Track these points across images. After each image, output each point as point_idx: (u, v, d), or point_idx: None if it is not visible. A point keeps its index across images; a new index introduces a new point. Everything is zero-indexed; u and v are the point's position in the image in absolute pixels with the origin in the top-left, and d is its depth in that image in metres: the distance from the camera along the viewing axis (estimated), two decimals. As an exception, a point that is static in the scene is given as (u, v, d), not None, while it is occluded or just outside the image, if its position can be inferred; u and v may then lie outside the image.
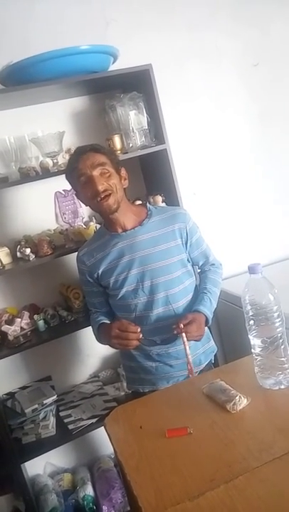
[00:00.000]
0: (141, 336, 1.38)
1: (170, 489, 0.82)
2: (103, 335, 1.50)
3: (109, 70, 1.77)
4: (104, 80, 1.74)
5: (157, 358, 1.53)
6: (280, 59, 2.31)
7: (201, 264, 1.63)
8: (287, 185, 2.40)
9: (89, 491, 1.91)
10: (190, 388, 1.16)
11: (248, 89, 2.26)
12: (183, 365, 1.50)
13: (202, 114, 2.18)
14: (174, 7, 2.07)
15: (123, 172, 1.50)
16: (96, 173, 1.41)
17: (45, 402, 1.87)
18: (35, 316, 1.85)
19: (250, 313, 1.04)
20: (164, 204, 1.86)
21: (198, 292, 1.56)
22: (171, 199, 1.86)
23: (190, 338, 1.39)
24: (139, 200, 1.90)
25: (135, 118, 1.78)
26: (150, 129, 1.81)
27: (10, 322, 1.82)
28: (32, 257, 1.74)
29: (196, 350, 1.56)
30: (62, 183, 1.84)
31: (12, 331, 1.79)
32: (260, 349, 1.04)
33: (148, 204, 1.59)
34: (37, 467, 2.06)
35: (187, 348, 1.37)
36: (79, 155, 1.44)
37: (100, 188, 1.39)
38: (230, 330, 2.16)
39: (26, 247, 1.74)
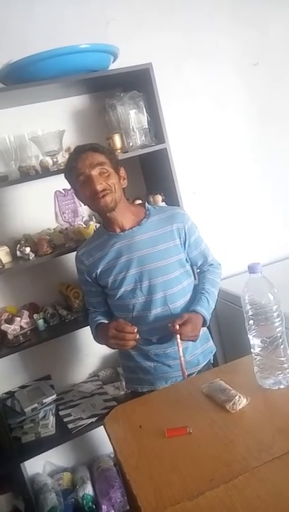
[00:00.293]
0: (138, 336, 1.38)
1: (169, 489, 0.82)
2: (101, 335, 1.50)
3: (109, 68, 1.76)
4: (104, 78, 1.73)
5: (155, 358, 1.53)
6: (279, 59, 2.31)
7: (199, 264, 1.63)
8: (287, 184, 2.40)
9: (88, 490, 1.91)
10: (190, 388, 1.16)
11: (247, 88, 2.26)
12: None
13: (202, 113, 2.18)
14: (174, 7, 2.07)
15: (122, 172, 1.50)
16: (95, 172, 1.40)
17: (44, 401, 1.87)
18: (35, 315, 1.85)
19: (250, 313, 1.04)
20: (164, 203, 1.86)
21: (197, 292, 1.56)
22: (171, 198, 1.86)
23: (185, 338, 1.39)
24: (139, 199, 1.90)
25: (135, 117, 1.78)
26: (150, 128, 1.81)
27: (9, 321, 1.82)
28: (32, 256, 1.73)
29: (195, 350, 1.56)
30: (62, 182, 1.83)
31: (12, 330, 1.79)
32: (260, 349, 1.04)
33: (146, 204, 1.58)
34: (36, 466, 2.06)
35: (180, 350, 1.36)
36: (78, 154, 1.43)
37: (99, 187, 1.39)
38: (229, 329, 2.16)
39: (26, 246, 1.74)
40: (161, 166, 1.86)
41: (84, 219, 1.98)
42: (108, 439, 1.06)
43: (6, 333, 1.78)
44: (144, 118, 1.79)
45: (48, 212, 1.95)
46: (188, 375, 1.49)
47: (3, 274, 1.85)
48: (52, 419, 1.88)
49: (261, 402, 1.02)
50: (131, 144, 1.80)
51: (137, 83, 1.81)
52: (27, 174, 1.72)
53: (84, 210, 1.99)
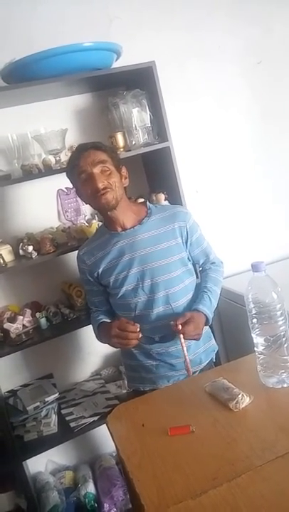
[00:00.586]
0: (140, 335, 1.38)
1: (172, 487, 0.82)
2: (103, 334, 1.49)
3: (112, 67, 1.76)
4: (107, 77, 1.73)
5: (158, 357, 1.53)
6: (281, 58, 2.30)
7: (201, 262, 1.62)
8: (291, 183, 2.39)
9: (90, 488, 1.91)
10: (192, 386, 1.16)
11: (250, 87, 2.26)
12: (183, 364, 1.49)
13: (204, 112, 2.18)
14: (176, 5, 2.07)
15: (124, 171, 1.50)
16: (96, 170, 1.40)
17: (46, 399, 1.87)
18: (37, 314, 1.85)
19: (254, 312, 1.03)
20: (166, 202, 1.86)
21: (199, 291, 1.56)
22: (174, 197, 1.85)
23: (187, 337, 1.39)
24: (142, 197, 1.90)
25: (138, 115, 1.78)
26: (153, 127, 1.81)
27: (12, 320, 1.82)
28: (34, 254, 1.73)
29: (197, 349, 1.55)
30: (64, 181, 1.83)
31: (14, 328, 1.79)
32: (263, 347, 1.04)
33: (148, 203, 1.58)
34: (39, 465, 2.06)
35: (184, 348, 1.36)
36: (80, 152, 1.43)
37: (100, 185, 1.39)
38: (232, 328, 2.15)
39: (29, 245, 1.74)
40: (164, 165, 1.86)
41: (86, 217, 1.98)
42: (110, 438, 1.06)
43: (9, 331, 1.78)
44: (146, 116, 1.78)
45: (50, 210, 1.95)
46: (194, 373, 1.49)
47: (5, 273, 1.85)
48: (54, 418, 1.88)
49: (264, 401, 1.02)
50: (134, 143, 1.80)
51: (140, 81, 1.80)
52: (30, 173, 1.72)
53: (86, 209, 1.99)
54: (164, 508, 0.77)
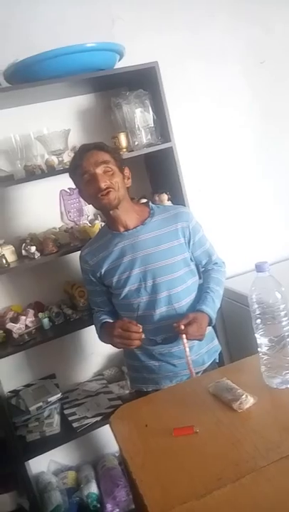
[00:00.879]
0: (143, 335, 1.38)
1: (176, 488, 0.81)
2: (106, 334, 1.49)
3: (115, 67, 1.76)
4: (110, 77, 1.73)
5: (160, 358, 1.53)
6: (283, 58, 2.30)
7: (204, 263, 1.62)
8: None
9: (93, 488, 1.91)
10: (196, 387, 1.16)
11: (252, 87, 2.25)
12: (186, 364, 1.50)
13: (206, 112, 2.18)
14: (178, 6, 2.07)
15: (126, 171, 1.50)
16: (99, 170, 1.41)
17: (49, 400, 1.88)
18: (40, 314, 1.85)
19: (257, 312, 1.03)
20: (169, 202, 1.86)
21: (202, 291, 1.56)
22: (177, 197, 1.85)
23: (191, 338, 1.39)
24: (145, 198, 1.90)
25: (141, 116, 1.78)
26: (156, 127, 1.81)
27: (15, 320, 1.82)
28: (37, 255, 1.74)
29: (200, 349, 1.55)
30: (67, 181, 1.83)
31: (17, 328, 1.79)
32: (267, 348, 1.04)
33: (150, 203, 1.58)
34: (41, 465, 2.06)
35: (187, 349, 1.36)
36: (83, 153, 1.44)
37: (103, 185, 1.39)
38: (236, 329, 2.15)
39: (31, 245, 1.74)
40: (166, 165, 1.85)
41: (89, 218, 1.98)
42: (114, 438, 1.05)
43: (11, 331, 1.78)
44: (149, 117, 1.78)
45: (53, 211, 1.95)
46: (197, 373, 1.49)
47: (8, 273, 1.85)
48: (57, 418, 1.88)
49: (268, 402, 1.02)
50: (136, 143, 1.80)
51: (143, 82, 1.80)
52: (32, 173, 1.72)
53: (89, 209, 1.99)
54: (167, 509, 0.77)
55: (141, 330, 1.37)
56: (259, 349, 1.07)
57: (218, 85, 2.19)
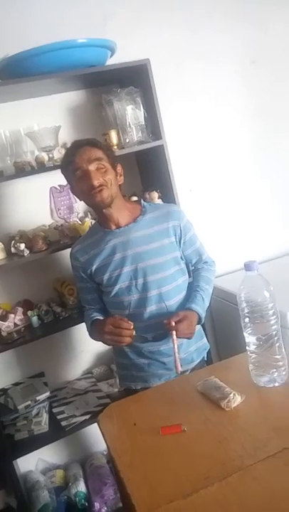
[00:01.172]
0: (134, 332, 1.38)
1: (163, 487, 0.81)
2: (96, 331, 1.49)
3: (106, 64, 1.75)
4: (101, 74, 1.72)
5: (149, 355, 1.53)
6: (278, 57, 2.30)
7: (194, 262, 1.62)
8: (284, 183, 2.40)
9: (81, 487, 1.91)
10: (184, 385, 1.16)
11: (245, 86, 2.25)
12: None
13: (199, 110, 2.17)
14: (173, 4, 2.06)
15: (119, 168, 1.49)
16: (92, 167, 1.40)
17: (38, 398, 1.86)
18: (29, 312, 1.84)
19: (246, 311, 1.03)
20: (160, 200, 1.85)
21: (191, 290, 1.56)
22: (168, 195, 1.85)
23: (180, 335, 1.39)
24: (136, 195, 1.90)
25: (132, 113, 1.77)
26: (147, 125, 1.80)
27: (3, 318, 1.81)
28: (26, 252, 1.72)
29: (189, 347, 1.55)
30: (57, 178, 1.82)
31: (5, 326, 1.77)
32: (255, 347, 1.04)
33: (142, 201, 1.58)
34: (29, 463, 2.05)
35: (176, 345, 1.36)
36: (75, 149, 1.43)
37: (96, 182, 1.38)
38: (224, 327, 2.16)
39: (21, 243, 1.73)
40: (157, 163, 1.85)
41: (79, 215, 1.97)
42: (102, 437, 1.05)
43: (0, 330, 1.77)
44: (141, 114, 1.78)
45: (43, 208, 1.94)
46: (182, 373, 1.48)
47: (-3, 270, 1.83)
48: (45, 417, 1.87)
49: (256, 400, 1.02)
50: (127, 140, 1.79)
51: (135, 79, 1.79)
52: (22, 170, 1.71)
53: (79, 207, 1.98)
54: (155, 508, 0.77)
55: (132, 327, 1.37)
56: (247, 348, 1.07)
57: (213, 84, 2.18)
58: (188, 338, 1.45)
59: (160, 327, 1.44)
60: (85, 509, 1.84)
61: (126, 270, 1.47)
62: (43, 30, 1.78)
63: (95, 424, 1.13)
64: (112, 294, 1.50)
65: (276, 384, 1.04)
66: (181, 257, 1.56)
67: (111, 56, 1.77)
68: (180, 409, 1.05)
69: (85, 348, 2.12)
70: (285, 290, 1.35)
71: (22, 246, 1.72)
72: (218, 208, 2.28)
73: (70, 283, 1.88)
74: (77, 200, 1.87)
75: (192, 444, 0.92)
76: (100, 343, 1.48)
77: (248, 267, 1.02)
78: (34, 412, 1.88)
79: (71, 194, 1.94)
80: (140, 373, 1.56)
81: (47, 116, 1.84)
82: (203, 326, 1.63)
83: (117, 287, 1.49)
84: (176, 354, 1.37)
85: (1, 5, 1.79)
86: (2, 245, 1.78)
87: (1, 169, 1.73)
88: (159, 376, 1.55)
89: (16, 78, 1.59)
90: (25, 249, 1.72)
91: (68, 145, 1.74)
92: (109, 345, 1.51)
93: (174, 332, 1.36)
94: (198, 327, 1.57)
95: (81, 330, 1.92)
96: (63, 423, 1.83)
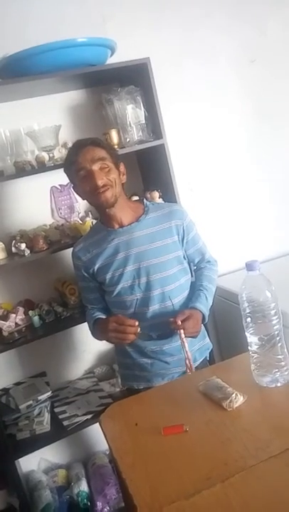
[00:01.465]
0: (139, 329, 1.37)
1: (166, 487, 0.81)
2: (99, 330, 1.49)
3: (106, 63, 1.74)
4: (101, 73, 1.72)
5: (152, 355, 1.53)
6: (276, 57, 2.30)
7: (196, 261, 1.62)
8: (284, 181, 2.39)
9: (83, 487, 1.91)
10: (186, 385, 1.16)
11: (244, 86, 2.25)
12: (178, 361, 1.50)
13: (199, 110, 2.17)
14: (172, 4, 2.05)
15: (122, 167, 1.49)
16: (96, 167, 1.39)
17: (39, 398, 1.86)
18: (30, 312, 1.84)
19: (248, 311, 1.03)
20: (160, 200, 1.85)
21: (194, 289, 1.56)
22: (168, 195, 1.85)
23: (186, 334, 1.39)
24: (136, 195, 1.89)
25: (132, 112, 1.77)
26: (147, 124, 1.80)
27: (4, 318, 1.81)
28: (27, 252, 1.72)
29: (192, 347, 1.55)
30: (58, 178, 1.83)
31: (7, 326, 1.77)
32: (257, 347, 1.04)
33: (145, 200, 1.57)
34: (31, 463, 2.05)
35: (186, 344, 1.36)
36: (79, 148, 1.42)
37: (100, 182, 1.38)
38: (226, 327, 2.15)
39: (21, 242, 1.73)
40: (158, 162, 1.85)
41: (80, 215, 1.96)
42: (104, 437, 1.05)
43: (1, 329, 1.77)
44: (141, 113, 1.77)
45: (43, 208, 1.94)
46: (184, 372, 1.49)
47: (-2, 270, 1.83)
48: (47, 416, 1.87)
49: (258, 400, 1.02)
50: (128, 140, 1.79)
51: (135, 78, 1.79)
52: (23, 169, 1.70)
53: (80, 206, 1.97)
54: (157, 509, 0.77)
55: (137, 324, 1.36)
56: (249, 348, 1.07)
57: (212, 84, 2.18)
58: (194, 337, 1.45)
59: (163, 326, 1.44)
60: (88, 509, 1.84)
61: (129, 269, 1.47)
62: (42, 29, 1.78)
63: (97, 423, 1.13)
64: (115, 293, 1.50)
65: (278, 384, 1.03)
66: (184, 256, 1.56)
67: (111, 55, 1.77)
68: (182, 409, 1.05)
69: (87, 348, 2.12)
70: (287, 290, 1.34)
71: (23, 246, 1.72)
72: (219, 207, 2.27)
73: (72, 283, 1.88)
74: (78, 199, 1.88)
75: (194, 445, 0.92)
76: (102, 342, 1.49)
77: (249, 266, 1.02)
78: (36, 411, 1.88)
79: (72, 193, 1.94)
80: (143, 373, 1.56)
81: (47, 116, 1.84)
82: (205, 325, 1.63)
83: (119, 286, 1.49)
84: (189, 353, 1.38)
85: (1, 4, 1.78)
86: (3, 245, 1.78)
87: (2, 169, 1.73)
88: (162, 376, 1.55)
89: (16, 77, 1.59)
90: (26, 249, 1.72)
91: (69, 144, 1.75)
92: (113, 343, 1.51)
93: (182, 331, 1.36)
94: (201, 326, 1.57)
95: (83, 330, 1.92)
96: (65, 423, 1.83)
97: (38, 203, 1.92)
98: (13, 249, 1.75)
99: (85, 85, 1.92)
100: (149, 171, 2.00)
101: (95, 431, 1.99)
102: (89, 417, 1.85)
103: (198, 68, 2.14)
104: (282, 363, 1.03)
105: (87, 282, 1.57)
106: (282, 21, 2.29)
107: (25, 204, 1.91)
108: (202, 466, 0.84)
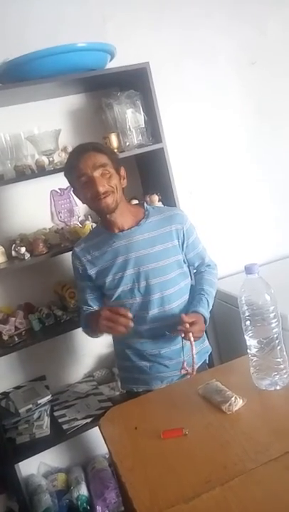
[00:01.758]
0: (131, 324, 1.33)
1: (165, 491, 0.81)
2: (92, 321, 1.44)
3: (106, 67, 1.75)
4: (101, 77, 1.72)
5: (151, 358, 1.53)
6: (276, 58, 2.30)
7: (196, 265, 1.63)
8: (283, 184, 2.40)
9: (83, 490, 1.90)
10: (185, 389, 1.16)
11: (244, 88, 2.26)
12: (177, 365, 1.50)
13: (199, 113, 2.18)
14: (171, 5, 2.06)
15: (122, 171, 1.49)
16: (97, 174, 1.39)
17: (39, 401, 1.86)
18: (30, 316, 1.84)
19: (247, 314, 1.03)
20: (160, 203, 1.85)
21: (195, 293, 1.56)
22: (168, 198, 1.85)
23: (195, 338, 1.39)
24: (136, 199, 1.90)
25: (132, 116, 1.77)
26: (147, 128, 1.80)
27: (4, 321, 1.81)
28: (27, 255, 1.72)
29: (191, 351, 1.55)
30: (58, 182, 1.84)
31: (6, 330, 1.77)
32: (256, 350, 1.04)
33: (146, 204, 1.58)
34: (31, 467, 2.04)
35: (194, 347, 1.37)
36: (80, 154, 1.41)
37: (101, 189, 1.38)
38: (226, 330, 2.15)
39: (21, 246, 1.73)
40: (157, 166, 1.85)
41: (80, 219, 1.97)
42: (103, 441, 1.05)
43: (1, 333, 1.77)
44: (141, 117, 1.78)
45: (43, 211, 1.94)
46: (184, 376, 1.49)
47: (-2, 274, 1.84)
48: (47, 420, 1.87)
49: (257, 403, 1.02)
50: (128, 144, 1.80)
51: (134, 82, 1.80)
52: (23, 173, 1.71)
53: (80, 210, 1.98)
54: (156, 512, 0.77)
55: (130, 316, 1.33)
56: (248, 351, 1.07)
57: (211, 85, 2.18)
58: (196, 340, 1.45)
59: (162, 330, 1.44)
60: (87, 513, 1.84)
61: (128, 273, 1.47)
62: (42, 32, 1.79)
63: (97, 427, 1.13)
64: (115, 296, 1.50)
65: (277, 387, 1.04)
66: (184, 261, 1.56)
67: (111, 60, 1.77)
68: (181, 412, 1.05)
69: (86, 352, 2.12)
70: (286, 293, 1.34)
71: (23, 249, 1.72)
72: (219, 210, 2.28)
73: (71, 286, 1.88)
74: (78, 203, 1.88)
75: (194, 448, 0.92)
76: (102, 345, 1.49)
77: (248, 269, 1.02)
78: (35, 415, 1.87)
79: (72, 197, 1.94)
80: (142, 376, 1.57)
81: (47, 120, 1.84)
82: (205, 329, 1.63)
83: (119, 290, 1.49)
84: (195, 356, 1.39)
85: (1, 8, 1.79)
86: (3, 249, 1.78)
87: (2, 173, 1.73)
88: (161, 379, 1.55)
89: (16, 82, 1.60)
90: (26, 253, 1.72)
91: (69, 149, 1.76)
92: (104, 332, 1.44)
93: (191, 334, 1.36)
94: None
95: (82, 333, 1.91)
96: (65, 426, 1.83)
97: (38, 206, 1.93)
98: (13, 252, 1.76)
99: (85, 89, 1.93)
100: (148, 175, 2.01)
101: (95, 434, 1.99)
102: (88, 420, 1.84)
103: (198, 68, 2.15)
104: (282, 366, 1.04)
105: (85, 281, 1.56)
106: (282, 21, 2.30)
107: (25, 208, 1.92)
108: (201, 470, 0.84)
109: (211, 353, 1.69)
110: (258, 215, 2.36)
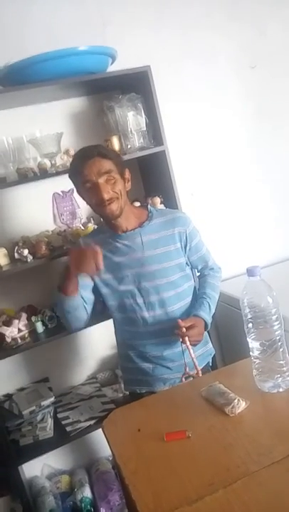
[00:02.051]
0: (100, 256, 1.32)
1: (168, 493, 0.81)
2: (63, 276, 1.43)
3: (107, 71, 1.76)
4: (102, 80, 1.73)
5: (154, 360, 1.54)
6: (276, 59, 2.31)
7: (200, 268, 1.63)
8: (285, 186, 2.40)
9: (87, 493, 1.90)
10: (188, 391, 1.16)
11: (245, 89, 2.26)
12: (179, 367, 1.50)
13: (200, 115, 2.18)
14: (171, 7, 2.07)
15: (127, 174, 1.49)
16: (102, 180, 1.39)
17: (42, 403, 1.87)
18: (33, 318, 1.84)
19: (249, 316, 1.03)
20: (162, 205, 1.86)
21: (198, 297, 1.56)
22: (170, 200, 1.85)
23: (189, 342, 1.40)
24: (138, 201, 1.90)
25: (133, 119, 1.78)
26: (148, 131, 1.81)
27: (7, 323, 1.81)
28: (30, 258, 1.73)
29: (194, 352, 1.55)
30: (60, 184, 1.84)
31: (9, 332, 1.78)
32: (259, 352, 1.04)
33: (149, 206, 1.58)
34: (34, 469, 2.05)
35: (191, 350, 1.37)
36: (85, 160, 1.40)
37: (106, 196, 1.39)
38: (228, 332, 2.15)
39: (24, 248, 1.73)
40: (159, 168, 1.86)
41: (82, 221, 1.97)
42: (107, 443, 1.05)
43: (4, 335, 1.77)
44: (142, 120, 1.79)
45: (46, 214, 1.95)
46: (187, 378, 1.49)
47: (0, 277, 1.84)
48: (50, 422, 1.87)
49: (260, 406, 1.02)
50: (129, 146, 1.80)
51: (136, 85, 1.80)
52: (25, 176, 1.72)
53: (82, 212, 1.98)
54: (160, 515, 0.77)
55: (98, 249, 1.33)
56: (251, 353, 1.07)
57: (212, 87, 2.19)
58: (194, 345, 1.46)
59: (163, 333, 1.45)
60: (91, 515, 1.84)
61: (130, 274, 1.48)
62: (42, 36, 1.80)
63: (100, 429, 1.13)
64: (115, 296, 1.51)
65: (280, 389, 1.04)
66: (187, 263, 1.57)
67: (112, 63, 1.78)
68: (184, 415, 1.05)
69: (90, 354, 2.12)
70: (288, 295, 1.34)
71: (25, 252, 1.72)
72: (220, 212, 2.28)
73: (74, 288, 1.88)
74: (80, 205, 1.89)
75: (197, 450, 0.92)
76: (105, 347, 1.50)
77: (250, 272, 1.02)
78: (39, 417, 1.88)
79: (74, 200, 1.95)
80: (145, 377, 1.57)
81: (49, 123, 1.85)
82: (208, 331, 1.63)
83: (120, 290, 1.50)
84: (195, 359, 1.40)
85: (1, 12, 1.80)
86: (5, 251, 1.79)
87: (4, 176, 1.74)
88: (164, 381, 1.55)
89: (17, 85, 1.60)
90: (29, 255, 1.73)
91: (71, 151, 1.76)
92: (73, 273, 1.41)
93: (187, 338, 1.37)
94: (205, 333, 1.58)
95: (85, 335, 1.93)
96: (68, 428, 1.83)
97: (40, 209, 1.93)
98: (16, 255, 1.76)
99: (87, 92, 1.93)
100: (150, 177, 2.02)
101: (98, 436, 1.99)
102: (92, 422, 1.85)
103: (198, 69, 2.15)
104: (284, 369, 1.04)
105: (82, 278, 1.53)
106: (282, 22, 2.30)
107: (27, 210, 1.92)
108: (204, 472, 0.84)
109: (214, 355, 1.69)
110: (261, 217, 2.36)
